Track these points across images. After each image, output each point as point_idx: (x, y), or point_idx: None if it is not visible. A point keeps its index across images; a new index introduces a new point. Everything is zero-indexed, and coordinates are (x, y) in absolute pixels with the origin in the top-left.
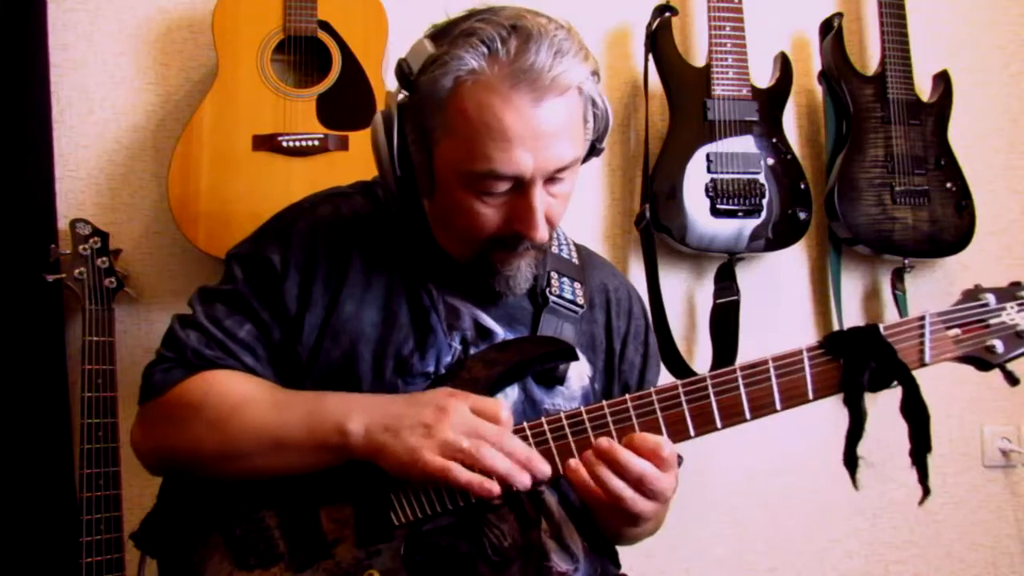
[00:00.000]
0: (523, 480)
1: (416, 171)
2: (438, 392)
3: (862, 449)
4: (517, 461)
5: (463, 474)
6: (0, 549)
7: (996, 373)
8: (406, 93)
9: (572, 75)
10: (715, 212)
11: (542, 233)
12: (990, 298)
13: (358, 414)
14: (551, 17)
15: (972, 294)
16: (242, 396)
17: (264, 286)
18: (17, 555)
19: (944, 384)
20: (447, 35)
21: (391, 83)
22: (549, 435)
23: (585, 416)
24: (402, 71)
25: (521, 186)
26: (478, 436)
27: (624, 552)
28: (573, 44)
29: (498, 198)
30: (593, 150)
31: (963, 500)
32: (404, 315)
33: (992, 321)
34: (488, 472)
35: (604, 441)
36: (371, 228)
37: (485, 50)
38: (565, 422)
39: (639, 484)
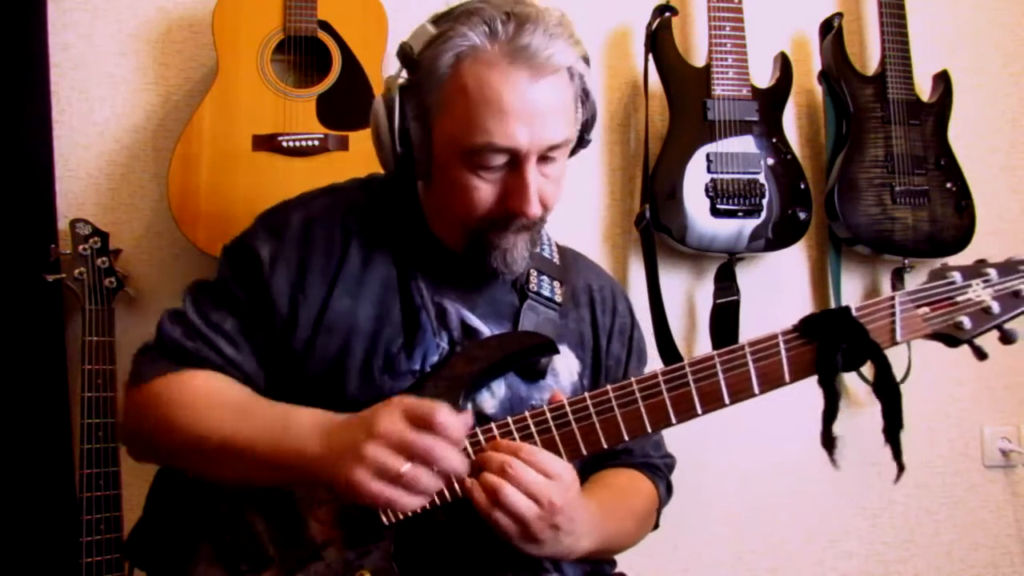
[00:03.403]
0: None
1: (415, 150)
2: (374, 407)
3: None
4: (449, 472)
5: (411, 502)
6: (0, 549)
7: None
8: (406, 75)
9: (564, 57)
10: (715, 212)
11: (535, 209)
12: (956, 276)
13: (318, 437)
14: (544, 7)
15: (939, 273)
16: (215, 401)
17: (251, 280)
18: (17, 555)
19: (944, 384)
20: (448, 17)
21: None
22: (533, 429)
23: (568, 408)
24: (404, 52)
25: (516, 163)
26: (410, 454)
27: (623, 552)
28: (564, 31)
29: (494, 173)
30: (581, 141)
31: (963, 500)
32: (396, 312)
33: (959, 298)
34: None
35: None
36: (367, 221)
37: (486, 28)
38: (549, 415)
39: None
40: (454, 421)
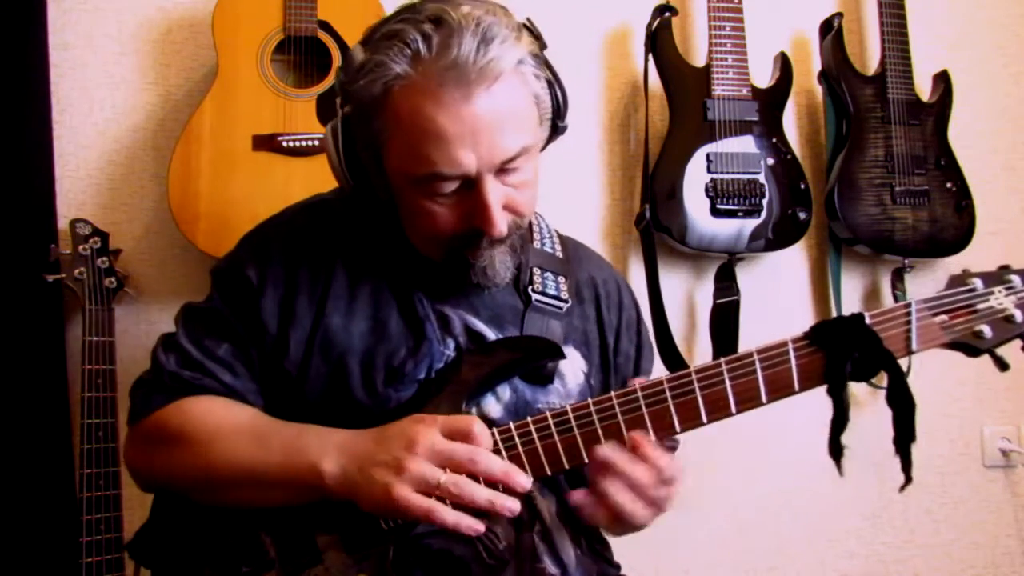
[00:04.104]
0: (507, 505)
1: (372, 178)
2: (404, 421)
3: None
4: (496, 479)
5: (449, 515)
6: (0, 549)
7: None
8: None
9: (503, 61)
10: (715, 212)
11: (499, 228)
12: (977, 283)
13: (334, 454)
14: (473, 3)
15: (959, 279)
16: (219, 429)
17: (241, 304)
18: (17, 555)
19: (944, 384)
20: (373, 37)
21: None
22: (535, 434)
23: (571, 414)
24: (339, 80)
25: (470, 183)
26: (452, 464)
27: (624, 552)
28: (502, 28)
29: (450, 197)
30: (556, 130)
31: (963, 500)
32: (394, 324)
33: (980, 306)
34: (471, 505)
35: (606, 449)
36: (352, 235)
37: (408, 52)
38: (551, 421)
39: (640, 493)
40: (486, 431)
